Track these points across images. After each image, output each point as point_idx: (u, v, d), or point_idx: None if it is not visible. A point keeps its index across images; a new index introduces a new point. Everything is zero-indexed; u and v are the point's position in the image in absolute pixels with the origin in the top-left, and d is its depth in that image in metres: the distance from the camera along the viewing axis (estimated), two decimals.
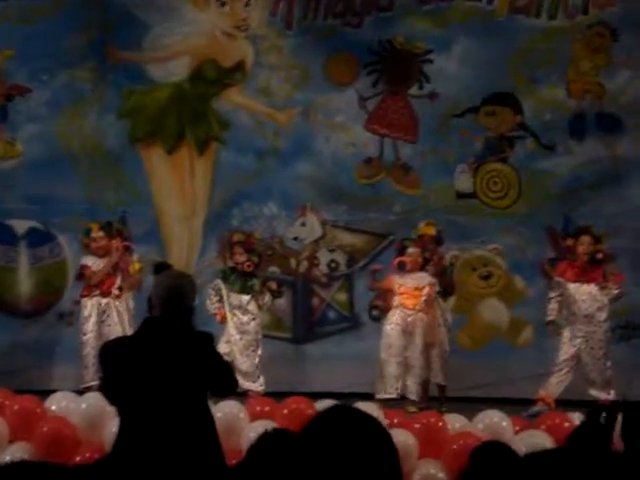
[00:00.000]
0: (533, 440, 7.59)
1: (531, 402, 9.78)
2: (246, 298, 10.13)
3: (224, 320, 10.09)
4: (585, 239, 9.87)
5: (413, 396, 9.69)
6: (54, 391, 8.73)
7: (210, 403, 7.94)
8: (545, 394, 9.77)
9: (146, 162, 11.65)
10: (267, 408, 8.52)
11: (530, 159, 11.47)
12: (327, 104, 11.53)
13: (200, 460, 4.97)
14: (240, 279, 10.11)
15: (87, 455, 7.51)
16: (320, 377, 10.87)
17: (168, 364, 4.99)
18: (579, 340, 9.79)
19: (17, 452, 7.57)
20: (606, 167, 11.32)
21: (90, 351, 9.81)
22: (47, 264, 11.50)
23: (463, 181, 11.56)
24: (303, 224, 11.58)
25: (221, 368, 5.20)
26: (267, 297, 10.34)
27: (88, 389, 9.32)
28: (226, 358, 9.54)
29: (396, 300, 9.93)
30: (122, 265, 10.14)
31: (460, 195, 11.55)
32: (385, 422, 7.60)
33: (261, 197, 11.51)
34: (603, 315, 9.84)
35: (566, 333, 9.86)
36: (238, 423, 8.02)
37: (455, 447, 7.58)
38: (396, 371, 9.71)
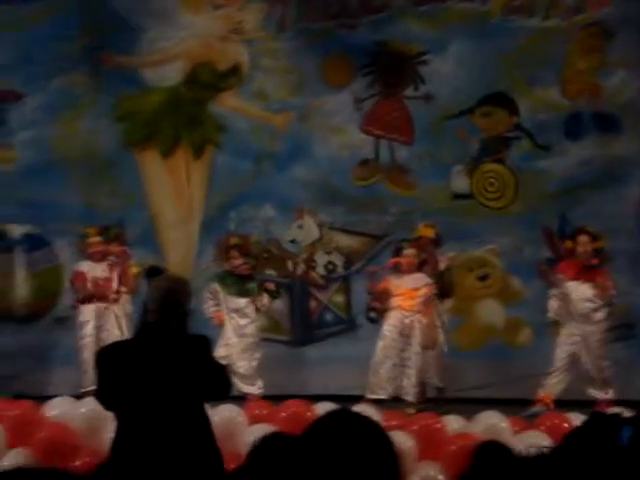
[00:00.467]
0: (532, 441, 7.57)
1: (530, 403, 9.78)
2: (244, 301, 10.13)
3: (222, 323, 10.09)
4: (583, 239, 9.87)
5: (410, 398, 9.69)
6: (52, 396, 8.72)
7: (208, 407, 7.97)
8: (544, 394, 9.77)
9: (142, 166, 11.66)
10: (265, 411, 8.52)
11: (526, 159, 11.48)
12: (323, 107, 11.55)
13: (198, 464, 4.96)
14: (237, 282, 10.11)
15: (87, 460, 7.49)
16: (318, 380, 10.87)
17: (164, 368, 4.98)
18: (577, 340, 9.79)
19: (16, 458, 7.56)
20: (602, 167, 11.33)
21: (88, 355, 9.79)
22: (43, 269, 11.50)
23: (459, 182, 11.57)
24: (300, 226, 11.59)
25: (216, 371, 5.19)
26: (265, 299, 10.34)
27: (87, 394, 9.30)
28: (224, 361, 9.55)
29: (393, 302, 9.93)
30: (121, 269, 10.14)
31: (456, 196, 11.56)
32: (382, 424, 7.60)
33: (258, 200, 11.52)
34: (600, 315, 9.84)
35: (564, 333, 9.86)
36: (237, 426, 8.01)
37: (454, 448, 7.57)
38: (390, 372, 9.72)
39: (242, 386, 9.85)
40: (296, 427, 7.78)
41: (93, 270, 10.12)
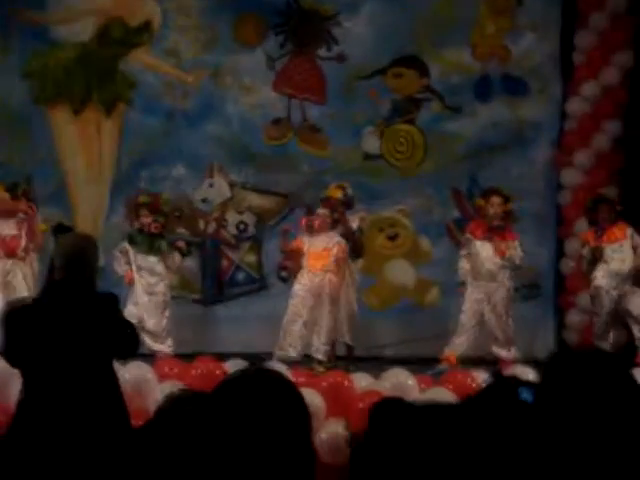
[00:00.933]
0: (438, 398, 7.71)
1: (436, 361, 9.92)
2: (154, 260, 10.07)
3: (132, 282, 10.03)
4: (495, 200, 9.99)
5: (320, 356, 9.75)
6: None
7: (118, 365, 7.94)
8: (449, 353, 9.92)
9: (52, 123, 11.49)
10: (175, 369, 8.52)
11: (436, 121, 11.58)
12: (235, 65, 11.48)
13: (104, 422, 4.95)
14: (147, 240, 10.04)
15: None
16: (228, 338, 10.87)
17: (71, 327, 4.96)
18: (482, 299, 9.94)
19: None
20: (511, 129, 11.49)
21: None
22: None
23: (370, 143, 11.63)
24: (211, 185, 11.55)
25: (123, 329, 5.19)
26: (177, 257, 10.30)
27: None
28: (134, 320, 9.53)
29: (305, 261, 9.98)
30: (29, 227, 10.01)
31: (367, 156, 11.62)
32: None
33: (169, 158, 11.43)
34: (506, 274, 9.99)
35: (470, 292, 10.00)
36: (146, 384, 8.00)
37: (361, 406, 7.66)
38: (300, 331, 9.77)
39: (152, 344, 9.81)
40: (206, 385, 7.80)
41: (0, 227, 9.98)
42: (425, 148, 11.60)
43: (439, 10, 11.43)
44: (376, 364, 9.46)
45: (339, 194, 10.24)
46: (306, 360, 9.72)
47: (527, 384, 2.52)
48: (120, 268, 10.07)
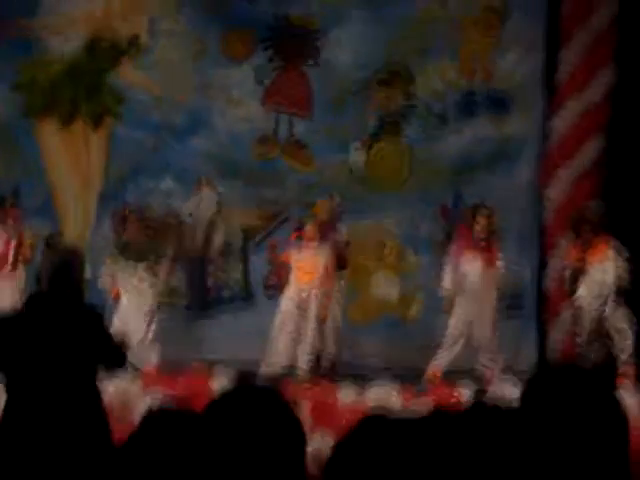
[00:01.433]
0: (423, 411, 7.74)
1: (420, 373, 9.97)
2: (141, 271, 10.12)
3: (118, 296, 10.07)
4: (481, 215, 10.06)
5: (305, 369, 9.83)
6: None
7: (103, 376, 7.97)
8: (433, 366, 9.98)
9: (40, 136, 11.53)
10: (161, 380, 8.56)
11: (422, 138, 11.64)
12: (223, 79, 11.53)
13: (85, 434, 4.94)
14: (134, 253, 10.09)
15: None
16: (215, 351, 10.89)
17: (52, 338, 4.96)
18: (469, 314, 10.00)
19: None
20: (495, 146, 11.55)
21: None
22: None
23: (357, 158, 11.68)
24: (199, 200, 11.58)
25: (109, 341, 5.20)
26: (163, 270, 10.34)
27: None
28: (120, 331, 9.57)
29: (292, 275, 10.04)
30: (17, 239, 10.03)
31: (354, 172, 11.67)
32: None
33: (157, 172, 11.47)
34: (492, 289, 10.05)
35: (456, 306, 10.06)
36: (132, 396, 8.03)
37: (346, 419, 7.70)
38: (286, 345, 9.83)
39: (138, 356, 9.83)
40: (192, 395, 7.84)
41: None
42: (411, 164, 11.65)
43: (425, 26, 11.50)
44: (361, 377, 9.50)
45: (327, 208, 10.30)
46: (291, 374, 9.76)
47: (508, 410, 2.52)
48: (106, 281, 10.10)
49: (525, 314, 11.51)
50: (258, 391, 2.51)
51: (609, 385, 2.44)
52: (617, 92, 11.21)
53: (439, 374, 9.88)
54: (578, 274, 10.00)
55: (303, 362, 9.85)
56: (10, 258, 10.01)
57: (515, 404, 2.49)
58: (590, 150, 11.25)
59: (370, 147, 11.66)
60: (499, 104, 11.57)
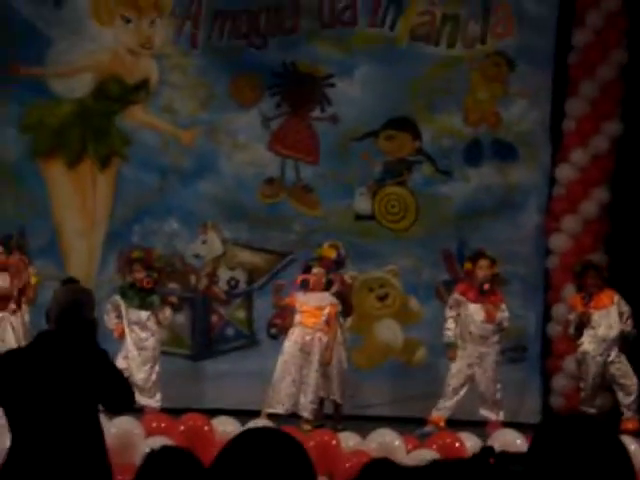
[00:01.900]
0: (424, 459, 7.70)
1: (423, 421, 9.94)
2: (145, 314, 10.13)
3: (122, 336, 10.08)
4: (483, 263, 10.09)
5: (307, 414, 9.77)
6: None
7: (105, 418, 7.95)
8: (436, 415, 9.95)
9: (47, 176, 11.57)
10: (163, 424, 8.52)
11: (427, 184, 11.68)
12: (231, 124, 11.59)
13: (86, 474, 4.95)
14: (139, 295, 10.11)
15: None
16: (217, 394, 10.88)
17: (57, 377, 4.93)
18: (472, 361, 9.99)
19: None
20: (500, 194, 11.59)
21: None
22: None
23: (362, 203, 11.71)
24: (204, 242, 11.61)
25: (117, 383, 5.17)
26: (167, 312, 10.36)
27: None
28: (124, 370, 9.57)
29: (297, 318, 10.03)
30: (21, 279, 10.05)
31: (359, 217, 11.71)
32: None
33: (162, 214, 11.50)
34: (495, 337, 10.06)
35: (459, 354, 10.04)
36: (134, 439, 8.00)
37: (348, 465, 7.69)
38: (289, 388, 9.79)
39: (140, 399, 9.78)
40: (193, 441, 7.84)
41: None
42: (416, 210, 11.69)
43: (432, 75, 11.58)
44: (363, 423, 9.47)
45: (333, 254, 10.33)
46: (293, 418, 9.72)
47: (516, 457, 2.53)
48: (110, 322, 10.12)
49: (529, 362, 11.50)
50: (271, 433, 2.51)
51: (614, 432, 2.45)
52: (622, 143, 11.27)
53: (442, 423, 9.85)
54: (582, 321, 10.04)
55: (306, 407, 9.81)
56: (15, 298, 10.02)
57: (519, 454, 2.50)
58: (595, 200, 11.30)
59: (375, 193, 11.70)
60: (505, 152, 11.62)
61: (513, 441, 8.15)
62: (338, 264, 10.44)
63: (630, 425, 9.75)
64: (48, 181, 11.58)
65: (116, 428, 7.94)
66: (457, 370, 10.03)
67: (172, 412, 9.18)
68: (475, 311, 10.02)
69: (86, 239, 11.57)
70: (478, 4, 11.66)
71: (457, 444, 8.29)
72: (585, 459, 2.34)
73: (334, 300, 10.10)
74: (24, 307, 10.07)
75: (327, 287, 10.14)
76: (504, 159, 11.63)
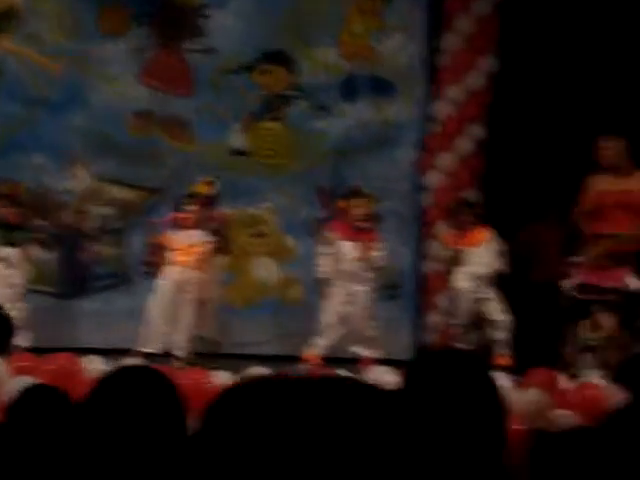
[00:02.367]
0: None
1: (299, 359, 9.94)
2: (12, 251, 9.87)
3: None
4: (357, 201, 10.10)
5: (180, 352, 9.70)
6: None
7: None
8: (311, 353, 9.95)
9: None
10: (31, 364, 8.35)
11: (303, 119, 11.57)
12: (100, 55, 11.25)
13: None
14: (5, 231, 9.84)
15: None
16: (88, 333, 10.72)
17: None
18: (345, 299, 10.00)
19: None
20: (377, 130, 11.55)
21: None
22: None
23: (238, 138, 11.56)
24: (73, 176, 11.32)
25: None
26: (35, 249, 10.12)
27: None
28: None
29: (170, 256, 9.92)
30: None
31: (234, 152, 11.55)
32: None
33: (29, 147, 11.15)
34: (369, 275, 10.08)
35: (333, 292, 10.06)
36: (0, 378, 7.80)
37: None
38: (163, 326, 9.72)
39: None
40: (62, 380, 7.64)
41: None
42: (292, 146, 11.59)
43: (307, 7, 11.42)
44: (239, 362, 9.41)
45: (208, 190, 10.21)
46: (166, 357, 9.62)
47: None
48: None
49: (403, 299, 11.58)
50: (142, 371, 2.51)
51: (485, 368, 2.51)
52: (498, 79, 11.31)
53: (317, 360, 9.85)
54: (455, 258, 10.12)
55: (180, 345, 9.72)
56: None
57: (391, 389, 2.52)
58: (470, 137, 11.35)
59: (251, 128, 11.54)
60: (381, 88, 11.57)
61: (385, 377, 8.19)
62: (212, 200, 10.31)
63: (502, 361, 9.89)
64: None
65: None
66: (330, 307, 10.04)
67: (40, 352, 8.99)
68: (348, 249, 10.02)
69: None
70: None
71: None
72: (454, 391, 2.38)
73: (208, 237, 9.99)
74: None
75: (202, 224, 10.02)
76: (380, 94, 11.57)
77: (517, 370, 9.33)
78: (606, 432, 2.71)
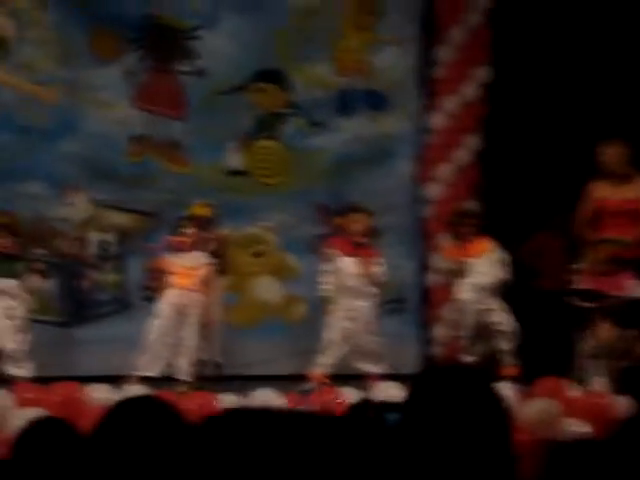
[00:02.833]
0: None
1: (305, 378, 9.90)
2: (11, 282, 9.83)
3: None
4: (355, 217, 10.12)
5: (184, 376, 9.66)
6: None
7: None
8: (316, 372, 9.92)
9: None
10: (35, 394, 8.36)
11: (300, 136, 11.57)
12: (93, 80, 11.23)
13: None
14: (4, 263, 9.80)
15: None
16: (90, 361, 10.67)
17: None
18: (349, 315, 9.99)
19: None
20: (373, 144, 11.55)
21: None
22: None
23: (234, 159, 11.56)
24: (71, 204, 11.31)
25: None
26: (35, 279, 10.10)
27: None
28: None
29: (171, 280, 9.89)
30: None
31: (231, 173, 11.55)
32: None
33: (24, 176, 11.10)
34: (371, 290, 10.07)
35: (336, 309, 10.04)
36: (5, 410, 7.81)
37: None
38: (163, 351, 9.69)
39: (10, 369, 9.60)
40: (67, 410, 7.61)
41: None
42: (289, 164, 11.58)
43: (299, 24, 11.43)
44: (244, 383, 9.40)
45: (206, 212, 10.22)
46: (169, 381, 9.59)
47: (393, 407, 2.59)
48: None
49: (408, 313, 11.58)
50: (147, 402, 2.50)
51: (489, 381, 2.49)
52: (493, 89, 11.33)
53: (323, 379, 9.82)
54: (458, 269, 10.11)
55: (183, 370, 9.68)
56: None
57: (396, 403, 2.55)
58: (467, 147, 11.37)
59: (247, 147, 11.54)
60: (376, 101, 11.58)
61: (393, 393, 8.20)
62: (210, 222, 10.31)
63: (509, 371, 9.87)
64: None
65: None
66: (334, 324, 10.02)
67: (43, 381, 8.99)
68: (349, 265, 10.02)
69: None
70: None
71: (339, 400, 8.27)
72: (459, 407, 2.37)
73: (208, 259, 9.99)
74: None
75: (201, 246, 10.01)
76: (376, 108, 11.58)
77: (524, 380, 9.32)
78: (618, 442, 2.70)
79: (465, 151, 11.34)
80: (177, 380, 9.64)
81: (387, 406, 2.49)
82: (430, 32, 11.48)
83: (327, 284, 10.11)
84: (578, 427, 7.79)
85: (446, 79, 11.39)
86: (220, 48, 11.38)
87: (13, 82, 11.17)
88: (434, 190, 11.39)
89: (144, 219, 11.43)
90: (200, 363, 10.05)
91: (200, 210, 10.24)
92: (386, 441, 2.44)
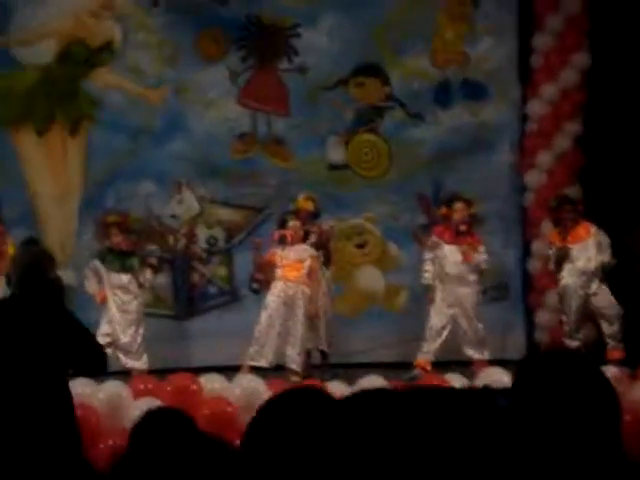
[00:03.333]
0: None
1: (409, 366, 9.99)
2: (126, 277, 10.09)
3: (104, 300, 10.05)
4: (458, 205, 10.13)
5: (295, 366, 9.80)
6: None
7: (93, 383, 7.93)
8: (421, 359, 10.00)
9: (17, 145, 11.46)
10: (151, 386, 8.53)
11: (399, 128, 11.66)
12: (198, 81, 11.50)
13: (54, 443, 4.84)
14: (118, 259, 10.07)
15: None
16: (203, 352, 10.87)
17: (22, 343, 4.85)
18: (452, 303, 10.04)
19: None
20: (472, 134, 11.57)
21: None
22: None
23: (335, 152, 11.69)
24: (180, 201, 11.57)
25: (86, 344, 5.04)
26: (148, 274, 10.33)
27: None
28: (107, 339, 9.58)
29: (278, 272, 10.03)
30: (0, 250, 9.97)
31: (333, 166, 11.69)
32: (267, 392, 7.72)
33: (136, 176, 11.40)
34: (474, 277, 10.11)
35: (439, 297, 10.10)
36: (122, 402, 8.02)
37: None
38: (273, 342, 9.83)
39: (127, 361, 9.86)
40: (181, 401, 7.84)
41: None
42: (389, 156, 11.68)
43: (397, 18, 11.52)
44: (350, 371, 9.52)
45: (309, 205, 10.33)
46: (280, 371, 9.76)
47: (502, 392, 2.55)
48: (91, 287, 10.10)
49: (512, 299, 11.58)
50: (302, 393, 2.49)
51: (596, 365, 2.46)
52: (592, 75, 11.26)
53: (428, 366, 9.90)
54: (561, 255, 10.09)
55: (294, 359, 9.85)
56: None
57: (504, 389, 2.53)
58: (567, 134, 11.32)
59: (348, 141, 11.68)
60: (475, 92, 11.60)
61: (500, 378, 8.19)
62: (314, 215, 10.44)
63: (615, 354, 9.83)
64: (19, 150, 11.47)
65: (104, 392, 7.97)
66: (437, 312, 10.09)
67: (159, 373, 9.21)
68: (451, 252, 10.07)
69: (62, 206, 11.50)
70: None
71: (446, 385, 8.33)
72: (567, 393, 2.35)
73: (314, 252, 10.11)
74: (1, 278, 9.99)
75: (305, 239, 10.14)
76: (474, 98, 11.61)
77: (630, 363, 9.28)
78: None
79: (565, 138, 11.30)
80: (287, 369, 9.82)
81: (495, 391, 2.48)
82: (527, 20, 11.46)
83: (429, 272, 10.19)
84: None
85: (545, 67, 11.36)
86: (320, 45, 11.55)
87: (122, 85, 11.49)
88: (534, 177, 11.38)
89: (250, 214, 11.64)
90: (307, 353, 10.20)
91: (304, 204, 10.36)
92: (500, 425, 2.44)
